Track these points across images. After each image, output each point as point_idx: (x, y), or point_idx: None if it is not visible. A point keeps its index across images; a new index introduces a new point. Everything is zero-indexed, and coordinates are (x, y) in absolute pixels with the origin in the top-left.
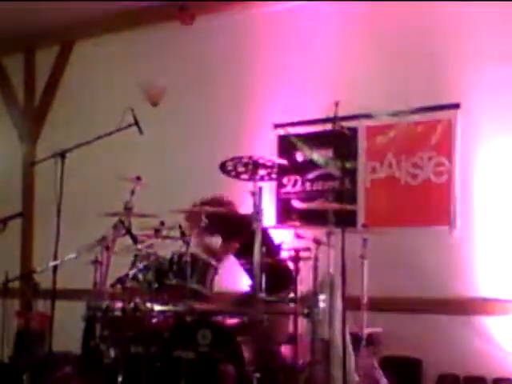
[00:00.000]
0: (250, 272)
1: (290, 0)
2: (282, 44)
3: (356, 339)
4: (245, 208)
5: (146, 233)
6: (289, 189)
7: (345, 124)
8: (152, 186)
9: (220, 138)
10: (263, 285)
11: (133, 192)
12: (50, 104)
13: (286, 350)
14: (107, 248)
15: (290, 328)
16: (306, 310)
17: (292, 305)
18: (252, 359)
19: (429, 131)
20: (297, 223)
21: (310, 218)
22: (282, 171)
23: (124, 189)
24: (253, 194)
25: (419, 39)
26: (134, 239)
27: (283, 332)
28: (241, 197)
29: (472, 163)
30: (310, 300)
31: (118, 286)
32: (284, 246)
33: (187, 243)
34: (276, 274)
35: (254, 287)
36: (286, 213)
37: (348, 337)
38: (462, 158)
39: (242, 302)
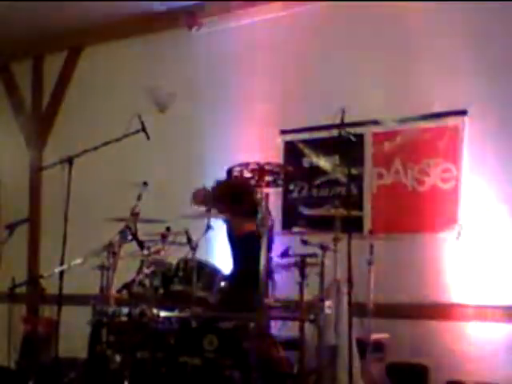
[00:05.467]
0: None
1: (294, 0)
2: (289, 49)
3: (362, 345)
4: None
5: (152, 238)
6: (295, 195)
7: (351, 130)
8: (159, 191)
9: (227, 144)
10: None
11: (139, 197)
12: (57, 109)
13: (292, 355)
14: (114, 253)
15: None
16: (312, 316)
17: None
18: (258, 365)
19: (436, 137)
20: (303, 229)
21: (316, 223)
22: (289, 177)
23: (131, 194)
24: (259, 199)
25: (426, 44)
26: (141, 245)
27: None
28: None
29: (479, 169)
30: (316, 306)
31: (125, 291)
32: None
33: (193, 249)
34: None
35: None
36: (292, 219)
37: (354, 343)
38: (469, 164)
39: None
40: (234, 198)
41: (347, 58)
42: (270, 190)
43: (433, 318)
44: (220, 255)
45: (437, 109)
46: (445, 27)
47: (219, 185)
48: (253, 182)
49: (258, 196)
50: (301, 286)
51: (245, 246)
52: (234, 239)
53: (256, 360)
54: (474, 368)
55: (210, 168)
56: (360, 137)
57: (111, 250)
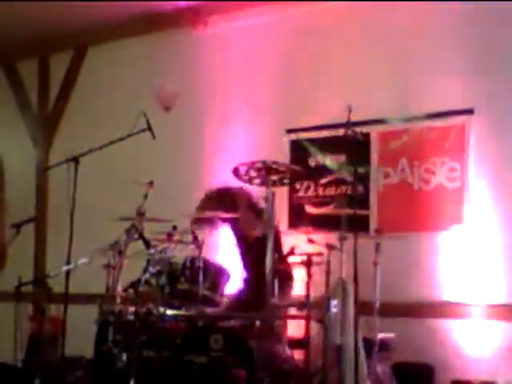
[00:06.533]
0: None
1: (295, 1)
2: (295, 48)
3: (368, 344)
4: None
5: (158, 237)
6: (301, 194)
7: (358, 129)
8: (165, 190)
9: (232, 143)
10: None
11: (145, 196)
12: (63, 109)
13: (297, 354)
14: (120, 252)
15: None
16: (318, 315)
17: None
18: (264, 364)
19: (442, 136)
20: (309, 228)
21: (322, 223)
22: (295, 176)
23: (137, 193)
24: (265, 199)
25: (432, 43)
26: (147, 244)
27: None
28: None
29: (485, 169)
30: (322, 305)
31: (131, 290)
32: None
33: (200, 248)
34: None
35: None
36: (298, 218)
37: (360, 342)
38: (475, 163)
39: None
40: (224, 206)
41: (353, 57)
42: (276, 190)
43: (439, 317)
44: (225, 254)
45: (443, 108)
46: (450, 26)
47: (207, 197)
48: (258, 181)
49: (255, 196)
50: (307, 284)
51: (257, 250)
52: (244, 245)
53: (262, 359)
54: (480, 367)
55: (215, 167)
56: (366, 136)
57: (117, 248)
